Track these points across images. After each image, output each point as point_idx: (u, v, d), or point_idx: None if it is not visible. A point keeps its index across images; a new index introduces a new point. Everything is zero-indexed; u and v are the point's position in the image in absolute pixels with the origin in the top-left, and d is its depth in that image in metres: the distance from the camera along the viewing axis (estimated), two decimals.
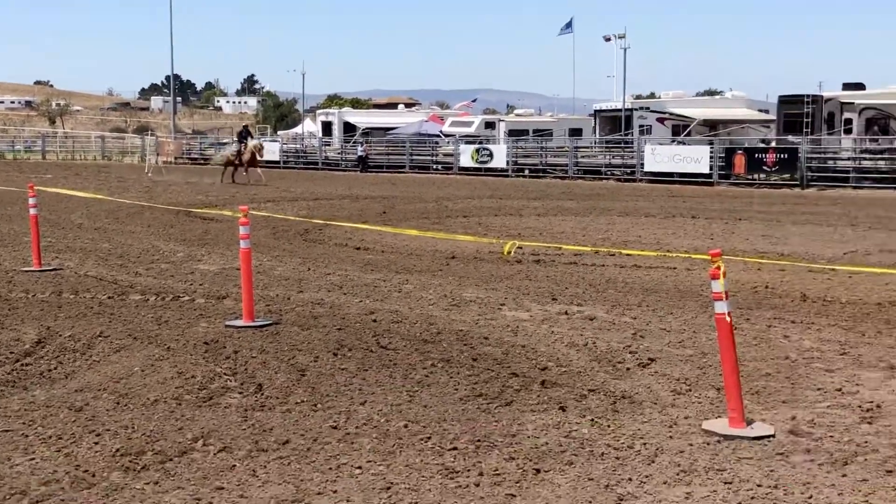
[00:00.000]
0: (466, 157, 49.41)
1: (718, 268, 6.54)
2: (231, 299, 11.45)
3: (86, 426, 6.58)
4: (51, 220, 21.06)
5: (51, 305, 11.12)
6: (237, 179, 38.81)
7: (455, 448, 6.14)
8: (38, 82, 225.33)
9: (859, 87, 43.99)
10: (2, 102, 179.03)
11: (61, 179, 41.22)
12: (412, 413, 6.91)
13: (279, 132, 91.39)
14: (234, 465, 5.86)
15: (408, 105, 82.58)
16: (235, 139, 43.35)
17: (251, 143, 40.11)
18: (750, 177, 39.04)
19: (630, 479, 5.60)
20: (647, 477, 5.64)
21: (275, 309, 10.88)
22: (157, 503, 5.28)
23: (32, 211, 14.51)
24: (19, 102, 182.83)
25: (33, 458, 5.95)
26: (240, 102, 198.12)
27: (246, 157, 39.00)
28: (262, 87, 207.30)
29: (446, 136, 56.37)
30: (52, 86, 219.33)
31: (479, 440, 6.29)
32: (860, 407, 7.00)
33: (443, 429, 6.54)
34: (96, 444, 6.22)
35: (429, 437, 6.36)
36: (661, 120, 50.58)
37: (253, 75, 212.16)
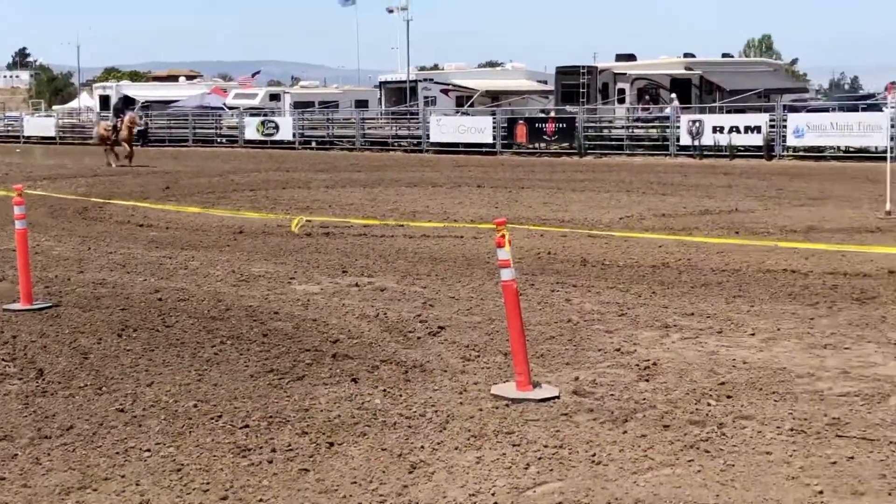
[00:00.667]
0: (252, 130, 48.66)
1: (503, 236, 6.72)
2: (7, 282, 10.95)
3: None
4: None
5: None
6: (113, 161, 34.39)
7: (247, 426, 6.09)
8: None
9: (631, 58, 45.84)
10: None
11: None
12: (201, 392, 6.81)
13: (54, 107, 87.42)
14: (16, 454, 5.63)
15: (189, 77, 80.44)
16: (111, 114, 38.45)
17: (126, 116, 35.50)
18: (531, 146, 40.07)
19: (422, 447, 5.70)
20: (438, 444, 5.76)
21: (54, 291, 10.48)
22: None
23: None
24: None
25: None
26: (11, 77, 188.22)
27: (123, 133, 34.47)
28: (35, 61, 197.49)
29: (230, 108, 55.31)
30: None
31: (271, 416, 6.26)
32: (638, 366, 7.35)
33: (234, 407, 6.47)
34: None
35: (219, 416, 6.28)
36: (445, 91, 51.24)
37: (24, 48, 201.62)
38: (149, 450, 5.69)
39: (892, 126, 29.98)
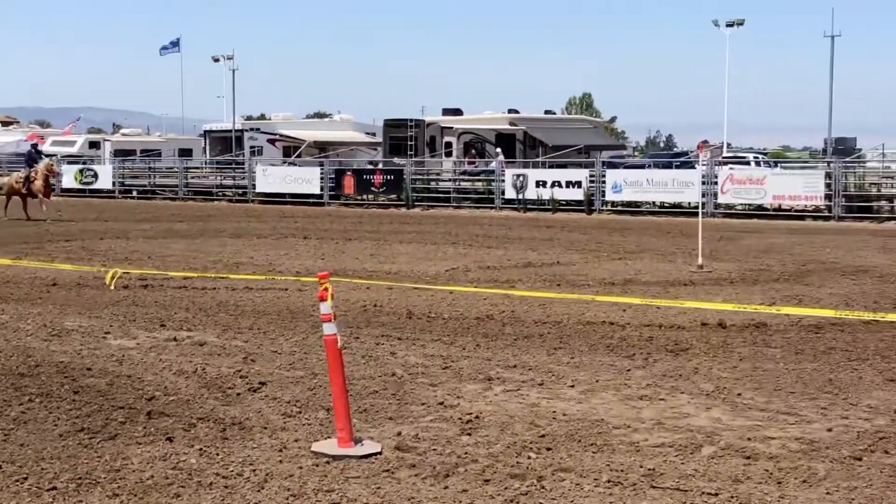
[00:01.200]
0: (69, 178, 47.15)
1: (326, 289, 6.65)
2: None
3: None
4: None
5: None
6: (31, 214, 29.86)
7: (54, 488, 5.81)
8: None
9: (457, 112, 46.64)
10: None
11: None
12: (7, 453, 6.46)
13: None
14: None
15: (5, 123, 77.49)
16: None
17: (41, 164, 31.19)
18: (359, 197, 40.16)
19: None
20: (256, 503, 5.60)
21: None
22: None
23: None
24: None
25: None
26: None
27: (37, 184, 29.97)
28: None
29: (48, 156, 53.47)
30: None
31: (80, 478, 5.98)
32: (461, 419, 7.36)
33: (41, 468, 6.16)
34: None
35: (25, 478, 5.97)
36: (272, 141, 50.94)
37: None
38: None
39: (704, 183, 31.35)
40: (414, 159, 41.11)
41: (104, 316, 11.98)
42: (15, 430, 7.02)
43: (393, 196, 39.25)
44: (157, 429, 7.05)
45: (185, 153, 54.18)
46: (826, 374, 8.93)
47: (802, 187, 31.66)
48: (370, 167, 43.80)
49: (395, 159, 41.96)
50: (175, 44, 69.15)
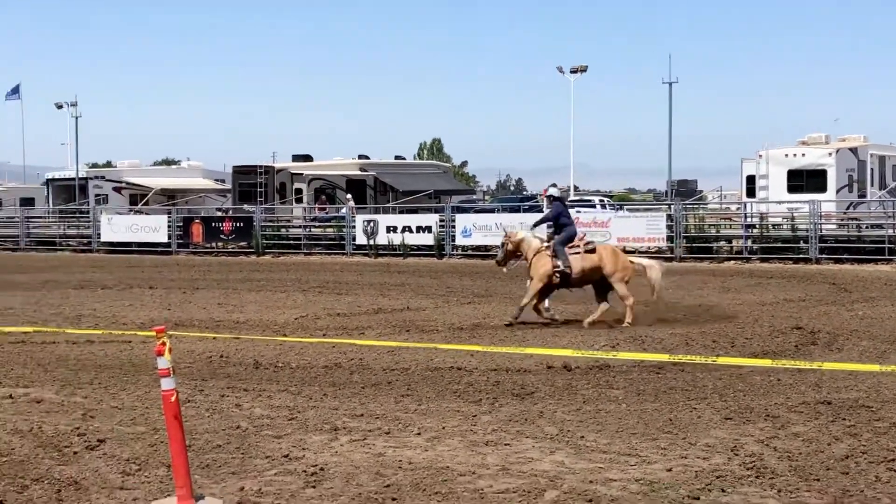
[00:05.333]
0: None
1: (164, 343, 6.53)
2: None
3: None
4: None
5: None
6: None
7: None
8: None
9: (308, 158, 46.50)
10: None
11: None
12: None
13: None
14: None
15: None
16: None
17: None
18: (208, 245, 39.57)
19: None
20: None
21: None
22: None
23: None
24: None
25: None
26: None
27: None
28: None
29: None
30: None
31: None
32: (305, 471, 7.29)
33: None
34: None
35: None
36: (118, 189, 49.75)
37: None
38: None
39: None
40: (264, 206, 40.77)
41: None
42: None
43: (243, 243, 38.82)
44: None
45: (28, 202, 52.50)
46: (666, 413, 9.18)
47: (646, 229, 32.66)
48: (219, 214, 43.23)
49: (245, 206, 41.54)
50: (16, 90, 67.16)
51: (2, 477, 7.16)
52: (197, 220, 40.24)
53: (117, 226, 41.29)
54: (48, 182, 53.61)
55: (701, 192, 57.96)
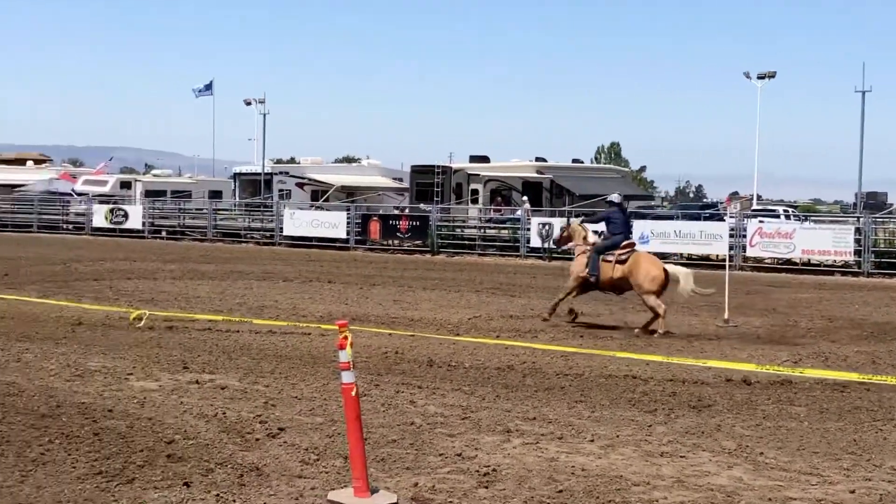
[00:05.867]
0: (100, 218, 47.52)
1: (346, 338, 6.66)
2: None
3: None
4: None
5: None
6: None
7: None
8: None
9: (484, 159, 46.79)
10: None
11: None
12: (23, 495, 6.49)
13: None
14: None
15: (37, 161, 78.29)
16: None
17: None
18: (385, 243, 40.24)
19: None
20: None
21: None
22: None
23: None
24: None
25: None
26: None
27: None
28: None
29: (79, 194, 53.99)
30: None
31: None
32: (478, 471, 7.32)
33: None
34: None
35: None
36: (300, 185, 51.20)
37: None
38: None
39: (732, 235, 31.23)
40: (440, 205, 41.21)
41: (128, 357, 12.04)
42: (34, 471, 7.05)
43: (418, 242, 39.32)
44: (176, 473, 7.06)
45: (215, 195, 54.52)
46: (850, 433, 8.84)
47: (832, 242, 31.46)
48: (396, 213, 43.95)
49: (422, 205, 42.09)
50: (209, 87, 69.89)
51: (188, 459, 7.45)
52: (375, 218, 40.98)
53: (299, 220, 42.44)
54: (235, 176, 55.68)
55: (891, 205, 55.58)
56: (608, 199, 17.87)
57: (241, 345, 13.31)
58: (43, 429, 8.26)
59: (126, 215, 47.50)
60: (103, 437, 8.02)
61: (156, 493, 6.59)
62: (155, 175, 63.88)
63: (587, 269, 16.58)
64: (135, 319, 14.65)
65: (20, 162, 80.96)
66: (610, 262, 16.36)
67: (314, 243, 40.89)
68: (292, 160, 78.52)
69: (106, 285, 21.70)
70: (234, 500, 6.48)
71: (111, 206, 48.72)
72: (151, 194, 52.97)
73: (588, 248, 16.87)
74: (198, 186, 57.34)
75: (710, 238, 33.14)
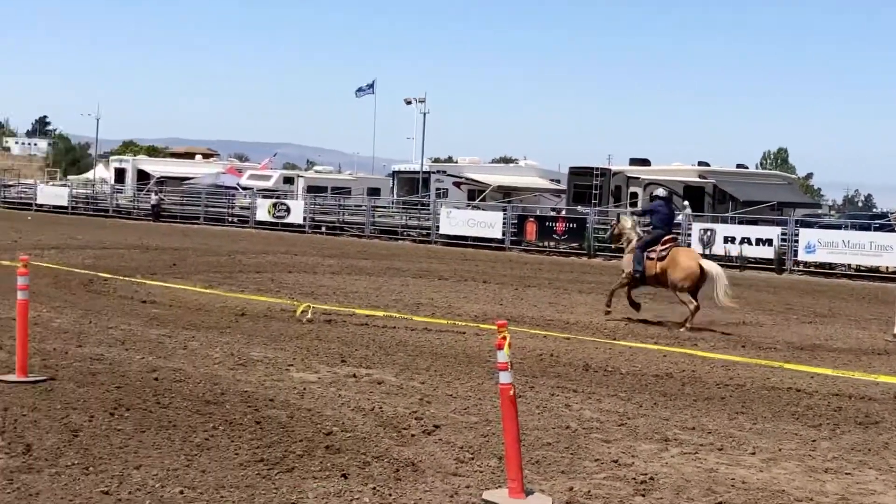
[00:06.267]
0: (263, 212, 48.93)
1: (504, 338, 6.64)
2: (5, 352, 10.83)
3: None
4: None
5: None
6: None
7: None
8: None
9: (645, 162, 46.11)
10: None
11: None
12: (189, 478, 6.68)
13: (69, 177, 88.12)
14: None
15: (206, 156, 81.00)
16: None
17: None
18: (540, 244, 40.16)
19: None
20: None
21: (51, 364, 10.38)
22: None
23: None
24: None
25: None
26: (30, 144, 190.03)
27: None
28: (55, 130, 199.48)
29: (244, 189, 55.67)
30: None
31: None
32: (634, 479, 7.20)
33: (220, 496, 6.34)
34: None
35: None
36: (457, 184, 51.51)
37: (45, 116, 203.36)
38: None
39: None
40: (598, 208, 40.85)
41: (288, 348, 12.32)
42: (198, 455, 7.26)
43: (574, 244, 39.10)
44: (334, 464, 7.17)
45: (374, 192, 55.42)
46: None
47: None
48: (553, 214, 43.79)
49: (579, 207, 41.80)
50: (371, 86, 71.01)
51: (346, 451, 7.55)
52: (531, 219, 40.95)
53: (455, 219, 42.74)
54: (394, 174, 56.38)
55: None
56: (654, 193, 18.36)
57: (397, 341, 13.46)
58: (207, 415, 8.51)
59: (288, 210, 48.73)
60: (264, 426, 8.21)
61: (314, 483, 6.70)
62: (317, 171, 65.34)
63: (633, 266, 17.22)
64: (301, 313, 14.97)
65: (189, 156, 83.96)
66: (652, 259, 16.97)
67: (470, 242, 41.10)
68: (450, 159, 79.11)
69: (268, 277, 22.29)
70: (391, 494, 6.54)
71: (274, 200, 50.06)
72: (313, 190, 54.19)
73: (633, 245, 17.50)
74: (357, 183, 58.38)
75: (881, 249, 31.90)
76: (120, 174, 64.32)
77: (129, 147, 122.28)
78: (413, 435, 8.20)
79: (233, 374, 10.40)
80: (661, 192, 18.10)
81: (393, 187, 55.39)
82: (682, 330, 15.93)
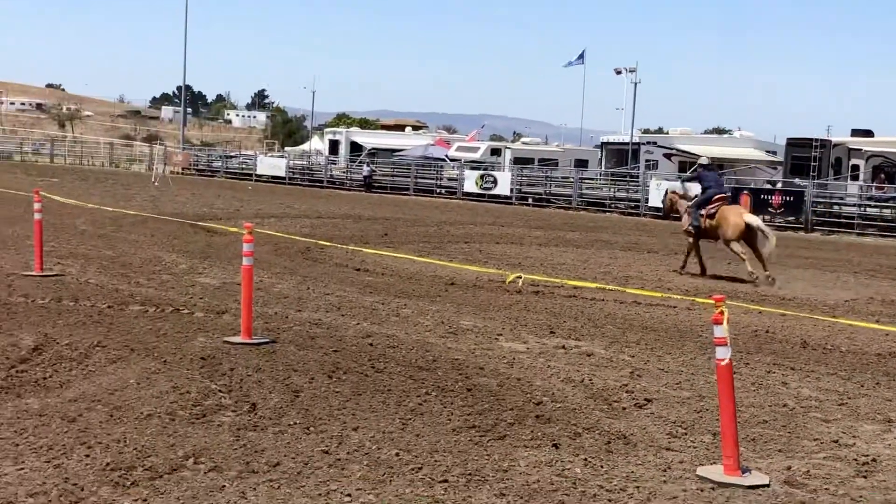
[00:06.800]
0: (471, 183, 49.43)
1: (722, 313, 6.50)
2: (230, 315, 11.39)
3: (78, 438, 6.53)
4: (55, 224, 21.02)
5: (50, 312, 11.07)
6: None
7: (446, 480, 6.08)
8: (49, 85, 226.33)
9: (868, 133, 44.04)
10: (12, 104, 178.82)
11: (67, 184, 41.27)
12: (404, 441, 6.86)
13: (286, 148, 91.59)
14: (224, 486, 5.80)
15: (415, 128, 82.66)
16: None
17: None
18: None
19: None
20: None
21: (273, 327, 10.84)
22: None
23: (37, 216, 14.49)
24: (30, 105, 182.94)
25: (23, 468, 5.90)
26: (249, 117, 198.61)
27: None
28: (273, 103, 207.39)
29: (452, 160, 56.42)
30: (63, 90, 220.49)
31: (470, 474, 6.23)
32: (856, 460, 6.94)
33: (434, 460, 6.48)
34: (87, 456, 6.17)
35: (420, 468, 6.30)
36: (667, 156, 50.66)
37: (264, 90, 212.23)
38: (349, 494, 5.75)
39: None
40: (816, 181, 39.33)
41: (497, 318, 12.44)
42: (412, 420, 7.44)
43: (791, 218, 37.79)
44: (544, 434, 7.21)
45: (581, 164, 55.16)
46: None
47: None
48: (768, 187, 42.43)
49: (797, 180, 40.35)
50: (580, 57, 70.58)
51: (556, 421, 7.59)
52: (745, 192, 39.79)
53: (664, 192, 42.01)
54: (602, 145, 55.99)
55: None
56: (699, 163, 20.40)
57: (606, 313, 13.39)
58: (420, 381, 8.70)
59: (495, 181, 49.06)
60: (475, 393, 8.34)
61: (525, 452, 6.77)
62: (524, 143, 65.59)
63: (689, 225, 19.13)
64: (510, 283, 15.09)
65: (399, 128, 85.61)
66: (703, 215, 18.85)
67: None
68: (660, 130, 77.86)
69: (475, 248, 22.55)
70: (602, 466, 6.53)
71: (481, 172, 50.50)
72: (519, 161, 54.43)
73: (689, 206, 19.62)
74: (564, 155, 58.25)
75: None
76: (334, 146, 66.36)
77: (342, 119, 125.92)
78: (624, 408, 8.16)
79: (444, 342, 10.59)
80: (703, 160, 20.33)
81: (601, 159, 55.00)
82: (753, 279, 17.62)
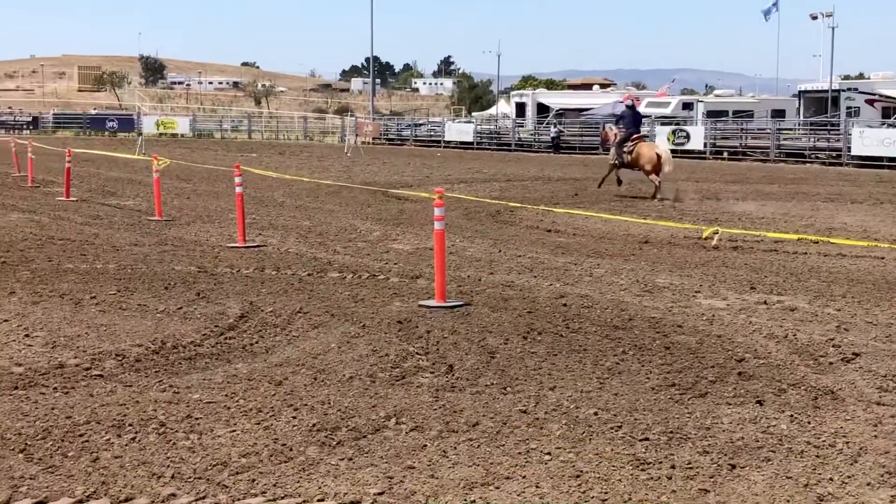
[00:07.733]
0: (662, 139, 48.48)
1: None
2: (424, 279, 11.57)
3: (284, 400, 6.77)
4: (255, 197, 21.81)
5: (254, 281, 11.51)
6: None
7: (647, 439, 6.01)
8: (244, 64, 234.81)
9: None
10: (210, 83, 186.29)
11: (265, 159, 42.74)
12: (602, 401, 6.81)
13: (473, 113, 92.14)
14: (426, 445, 5.91)
15: (602, 86, 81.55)
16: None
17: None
18: None
19: (831, 479, 5.36)
20: (849, 477, 5.38)
21: (466, 290, 10.94)
22: (350, 479, 5.37)
23: (238, 189, 15.06)
24: (227, 83, 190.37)
25: (234, 430, 6.16)
26: (436, 84, 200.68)
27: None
28: (458, 69, 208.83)
29: (644, 117, 55.43)
30: (258, 67, 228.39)
31: (671, 432, 6.14)
32: None
33: (634, 418, 6.41)
34: (294, 418, 6.39)
35: (619, 426, 6.25)
36: (870, 102, 48.36)
37: (449, 57, 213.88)
38: (549, 453, 5.76)
39: None
40: None
41: (694, 275, 12.19)
42: (610, 379, 7.38)
43: None
44: (747, 391, 7.03)
45: (778, 114, 53.25)
46: None
47: None
48: None
49: None
50: (775, 4, 68.10)
51: (759, 378, 7.38)
52: None
53: (869, 139, 40.15)
54: (800, 94, 53.88)
55: None
56: (622, 102, 26.09)
57: (809, 267, 12.93)
58: (616, 340, 8.62)
59: (688, 136, 48.00)
60: (674, 351, 8.20)
61: (728, 409, 6.61)
62: (716, 95, 63.74)
63: (614, 158, 24.33)
64: (707, 238, 14.75)
65: (587, 87, 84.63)
66: (624, 151, 23.63)
67: (885, 164, 38.50)
68: (861, 76, 74.36)
69: (669, 205, 22.12)
70: (809, 423, 6.32)
71: (673, 127, 49.47)
72: (713, 115, 53.01)
73: (614, 141, 24.44)
74: (759, 106, 56.38)
75: None
76: (520, 108, 66.28)
77: (528, 82, 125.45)
78: (831, 363, 7.86)
79: (639, 301, 10.46)
80: (627, 102, 25.21)
81: (799, 108, 52.97)
82: (654, 201, 22.41)
